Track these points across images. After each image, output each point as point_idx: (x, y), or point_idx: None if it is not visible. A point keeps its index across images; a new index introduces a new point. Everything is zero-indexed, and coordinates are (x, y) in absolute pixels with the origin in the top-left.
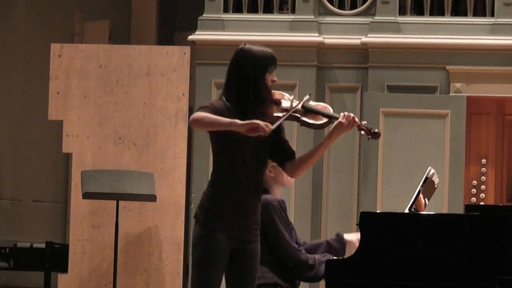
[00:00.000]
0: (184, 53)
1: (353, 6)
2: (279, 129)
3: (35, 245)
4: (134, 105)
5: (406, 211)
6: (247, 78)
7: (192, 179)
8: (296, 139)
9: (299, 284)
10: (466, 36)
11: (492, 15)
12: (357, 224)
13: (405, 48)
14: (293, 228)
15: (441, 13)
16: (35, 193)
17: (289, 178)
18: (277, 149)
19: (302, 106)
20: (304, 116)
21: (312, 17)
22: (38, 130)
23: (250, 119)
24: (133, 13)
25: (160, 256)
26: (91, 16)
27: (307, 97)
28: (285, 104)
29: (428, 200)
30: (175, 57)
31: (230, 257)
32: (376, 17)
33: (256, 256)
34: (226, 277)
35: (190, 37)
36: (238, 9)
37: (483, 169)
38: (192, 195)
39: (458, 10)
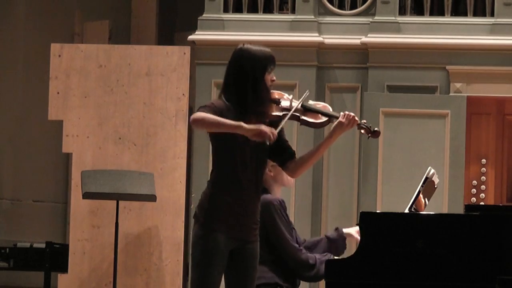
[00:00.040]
0: (184, 53)
1: (353, 6)
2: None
3: (35, 245)
4: (134, 105)
5: (406, 211)
6: (246, 78)
7: (192, 179)
8: (296, 138)
9: (299, 284)
10: (466, 36)
11: (492, 15)
12: (357, 224)
13: (405, 48)
14: (294, 228)
15: (441, 13)
16: (35, 193)
17: (289, 177)
18: (277, 149)
19: (302, 106)
20: (304, 115)
21: (312, 17)
22: (38, 130)
23: (250, 119)
24: (133, 13)
25: (160, 256)
26: (91, 16)
27: (307, 93)
28: (285, 103)
29: (428, 200)
30: (175, 57)
31: (230, 257)
32: (376, 17)
33: (256, 256)
34: (225, 277)
35: (190, 37)
36: (238, 9)
37: (483, 169)
38: (192, 195)
39: (458, 10)
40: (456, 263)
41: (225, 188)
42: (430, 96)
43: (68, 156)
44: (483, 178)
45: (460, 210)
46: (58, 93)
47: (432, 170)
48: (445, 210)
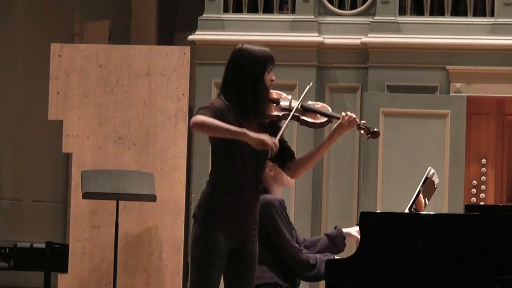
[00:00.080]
0: (184, 53)
1: (353, 6)
2: (279, 130)
3: (35, 245)
4: (134, 105)
5: (406, 211)
6: (245, 78)
7: (192, 179)
8: (296, 139)
9: (299, 283)
10: (466, 36)
11: (492, 15)
12: (357, 224)
13: (405, 48)
14: (294, 228)
15: (441, 13)
16: (35, 193)
17: (289, 177)
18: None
19: (301, 106)
20: (304, 115)
21: (312, 17)
22: (38, 130)
23: (249, 119)
24: (133, 13)
25: (160, 256)
26: (91, 16)
27: (309, 86)
28: (284, 103)
29: (428, 200)
30: (175, 57)
31: (229, 257)
32: (376, 17)
33: (255, 256)
34: (225, 277)
35: (190, 37)
36: (238, 9)
37: (483, 169)
38: (192, 195)
39: (458, 10)
40: (456, 263)
41: (225, 188)
42: (430, 96)
43: (68, 156)
44: (483, 178)
45: (460, 210)
46: (58, 93)
47: (432, 170)
48: (445, 210)
